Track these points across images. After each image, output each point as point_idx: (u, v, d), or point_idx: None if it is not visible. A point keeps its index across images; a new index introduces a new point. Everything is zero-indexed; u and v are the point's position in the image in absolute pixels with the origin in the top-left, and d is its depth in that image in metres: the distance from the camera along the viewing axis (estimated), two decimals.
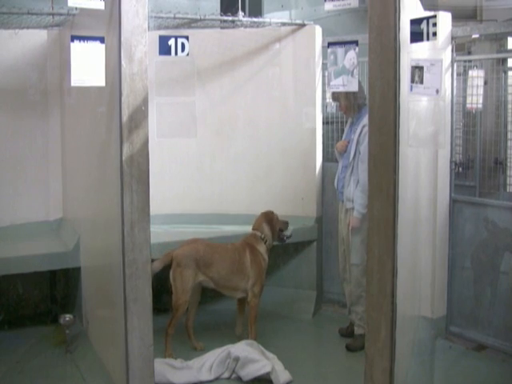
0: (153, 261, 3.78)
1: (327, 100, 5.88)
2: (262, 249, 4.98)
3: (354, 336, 5.05)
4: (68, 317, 4.72)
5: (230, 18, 5.57)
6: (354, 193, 4.86)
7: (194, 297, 4.84)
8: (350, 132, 5.04)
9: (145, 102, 3.57)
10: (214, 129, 5.98)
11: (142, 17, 3.50)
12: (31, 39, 5.41)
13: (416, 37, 3.27)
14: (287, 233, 5.17)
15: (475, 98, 4.95)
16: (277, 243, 5.24)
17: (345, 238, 5.07)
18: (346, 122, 5.24)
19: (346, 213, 5.01)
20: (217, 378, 4.42)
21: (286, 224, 5.18)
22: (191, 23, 5.60)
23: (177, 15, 5.25)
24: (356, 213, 4.83)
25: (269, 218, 5.08)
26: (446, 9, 4.74)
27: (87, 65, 3.53)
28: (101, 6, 3.52)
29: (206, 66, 5.90)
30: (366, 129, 4.75)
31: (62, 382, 4.30)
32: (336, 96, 5.04)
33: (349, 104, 4.97)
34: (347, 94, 4.88)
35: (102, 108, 4.08)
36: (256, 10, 6.98)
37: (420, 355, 4.42)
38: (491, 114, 5.26)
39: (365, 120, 4.81)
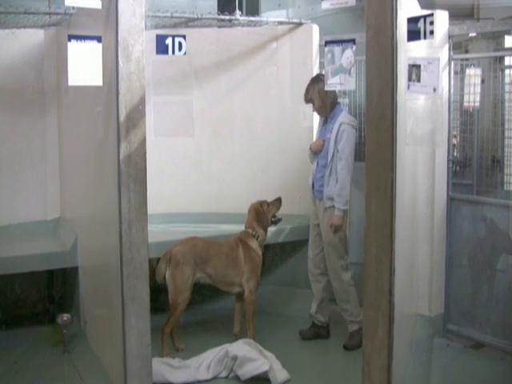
0: (150, 261, 3.77)
1: None
2: (254, 245, 4.98)
3: (349, 334, 5.05)
4: (66, 316, 4.71)
5: (228, 17, 5.57)
6: (334, 191, 4.88)
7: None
8: (325, 131, 5.03)
9: (142, 101, 3.57)
10: (211, 128, 5.98)
11: (139, 16, 3.50)
12: (28, 39, 5.40)
13: (413, 35, 3.27)
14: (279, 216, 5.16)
15: (472, 97, 4.96)
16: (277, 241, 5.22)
17: (323, 236, 5.05)
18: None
19: (325, 211, 4.99)
20: (215, 377, 4.42)
21: (279, 203, 5.14)
22: (188, 22, 5.60)
23: (174, 14, 5.24)
24: (337, 211, 4.85)
25: (258, 213, 5.05)
26: (443, 7, 4.73)
27: (84, 64, 3.53)
28: (98, 5, 3.52)
29: (203, 65, 5.90)
30: (344, 127, 4.85)
31: (59, 382, 4.29)
32: (309, 98, 5.02)
33: (322, 103, 4.97)
34: (320, 94, 4.91)
35: (99, 107, 4.08)
36: (253, 8, 6.96)
37: (418, 353, 4.43)
38: (488, 112, 5.26)
39: (341, 118, 4.90)
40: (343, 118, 4.93)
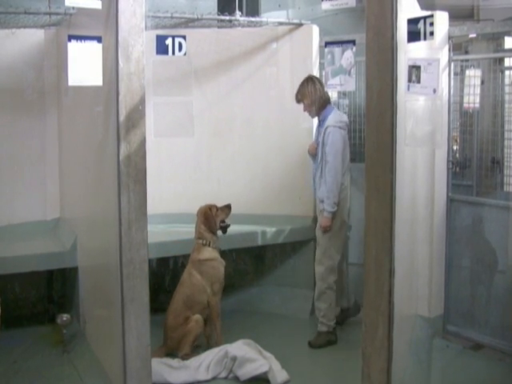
0: (150, 261, 3.77)
1: None
2: (207, 254, 4.93)
3: (317, 333, 5.11)
4: (65, 316, 4.71)
5: (227, 18, 5.57)
6: (323, 193, 4.96)
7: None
8: (318, 134, 5.10)
9: (142, 101, 3.57)
10: (211, 128, 5.98)
11: (140, 16, 3.50)
12: (28, 39, 5.40)
13: (413, 36, 3.28)
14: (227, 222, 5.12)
15: (472, 98, 4.96)
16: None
17: (317, 237, 5.15)
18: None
19: (320, 213, 5.08)
20: (214, 378, 4.42)
21: (228, 209, 5.10)
22: (188, 23, 5.60)
23: (174, 15, 5.24)
24: (326, 213, 4.93)
25: (206, 216, 5.01)
26: (442, 8, 4.74)
27: (84, 64, 3.53)
28: (98, 5, 3.52)
29: (203, 65, 5.89)
30: (329, 130, 4.91)
31: (59, 382, 4.29)
32: (300, 98, 5.07)
33: (311, 103, 5.02)
34: (310, 95, 4.98)
35: (99, 107, 4.08)
36: (253, 9, 6.97)
37: (417, 354, 4.43)
38: (488, 113, 5.26)
39: (328, 121, 4.95)
40: (330, 120, 4.96)
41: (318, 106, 5.02)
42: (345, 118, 5.10)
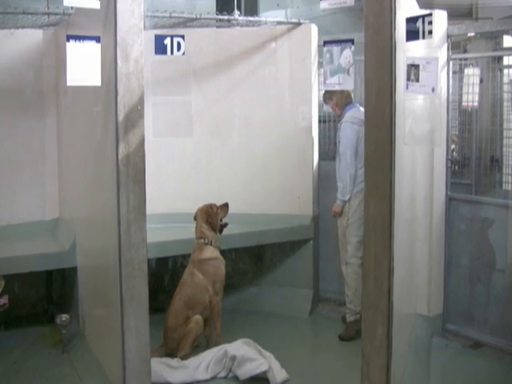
0: (149, 261, 3.77)
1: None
2: (208, 254, 4.93)
3: (346, 324, 5.19)
4: (64, 317, 4.70)
5: (226, 17, 5.57)
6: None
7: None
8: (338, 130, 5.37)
9: (141, 101, 3.57)
10: (210, 128, 5.98)
11: (138, 16, 3.50)
12: (27, 39, 5.39)
13: (412, 35, 3.28)
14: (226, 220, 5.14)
15: (471, 96, 4.96)
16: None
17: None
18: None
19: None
20: (213, 378, 4.42)
21: (226, 208, 5.12)
22: (187, 22, 5.59)
23: (173, 14, 5.24)
24: (338, 200, 5.23)
25: (208, 214, 5.02)
26: (441, 7, 4.74)
27: (83, 64, 3.52)
28: (96, 5, 3.52)
29: (201, 65, 5.89)
30: (342, 125, 5.21)
31: (58, 383, 4.29)
32: (329, 95, 5.27)
33: (336, 102, 5.30)
34: (336, 94, 5.21)
35: (97, 107, 4.08)
36: (252, 8, 6.98)
37: (417, 353, 4.43)
38: (487, 112, 5.26)
39: (344, 118, 5.23)
40: (346, 116, 5.21)
41: (343, 104, 5.27)
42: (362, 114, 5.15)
